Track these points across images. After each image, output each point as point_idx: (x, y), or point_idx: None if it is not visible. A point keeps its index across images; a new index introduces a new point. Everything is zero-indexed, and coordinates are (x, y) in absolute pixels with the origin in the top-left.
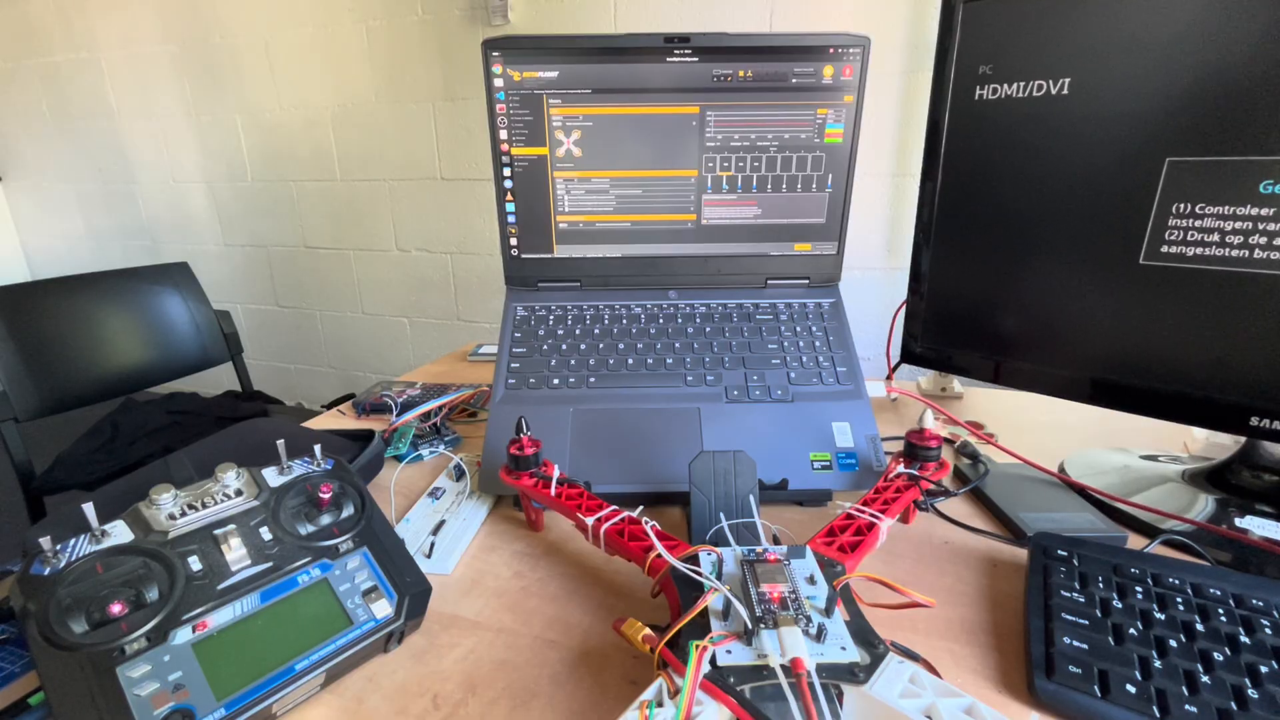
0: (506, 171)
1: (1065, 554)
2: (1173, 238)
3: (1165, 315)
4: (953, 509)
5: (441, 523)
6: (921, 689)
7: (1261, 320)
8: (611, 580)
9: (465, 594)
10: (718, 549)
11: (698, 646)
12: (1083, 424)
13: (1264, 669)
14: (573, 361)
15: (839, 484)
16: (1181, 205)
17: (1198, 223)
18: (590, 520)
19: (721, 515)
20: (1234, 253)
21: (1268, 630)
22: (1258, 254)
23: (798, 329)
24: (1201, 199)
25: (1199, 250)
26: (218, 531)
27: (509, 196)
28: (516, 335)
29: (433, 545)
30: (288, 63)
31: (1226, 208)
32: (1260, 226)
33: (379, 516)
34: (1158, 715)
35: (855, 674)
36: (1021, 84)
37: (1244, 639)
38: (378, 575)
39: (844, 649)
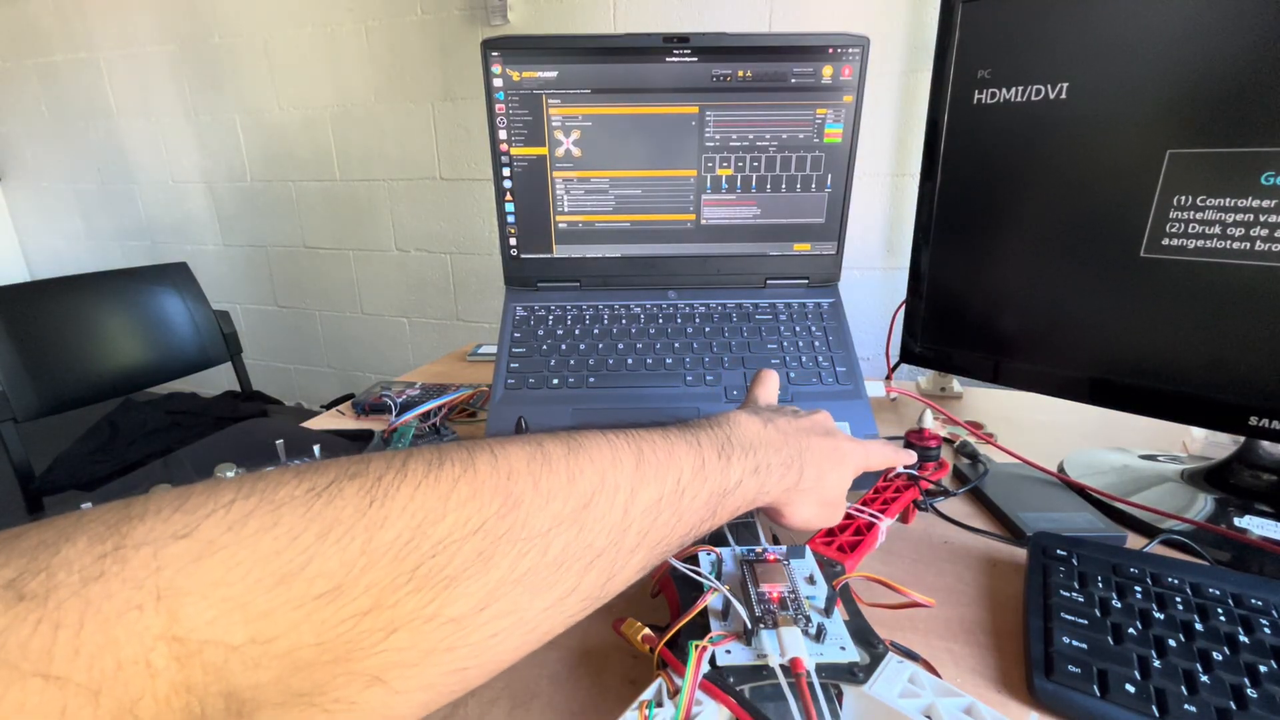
0: (506, 171)
1: (1064, 554)
2: (1174, 230)
3: (1165, 309)
4: (952, 509)
5: None
6: (921, 689)
7: (1261, 314)
8: None
9: None
10: (717, 549)
11: (697, 646)
12: (1082, 424)
13: (1263, 668)
14: (572, 361)
15: None
16: (1182, 197)
17: (1199, 215)
18: None
19: None
20: (1235, 245)
21: (1267, 629)
22: (1259, 246)
23: (797, 329)
24: (1202, 191)
25: (1200, 243)
26: None
27: (508, 196)
28: (516, 335)
29: None
30: (287, 62)
31: (1228, 200)
32: (1261, 219)
33: None
34: (1157, 715)
35: (855, 674)
36: (1020, 88)
37: (1243, 638)
38: None
39: (843, 649)
